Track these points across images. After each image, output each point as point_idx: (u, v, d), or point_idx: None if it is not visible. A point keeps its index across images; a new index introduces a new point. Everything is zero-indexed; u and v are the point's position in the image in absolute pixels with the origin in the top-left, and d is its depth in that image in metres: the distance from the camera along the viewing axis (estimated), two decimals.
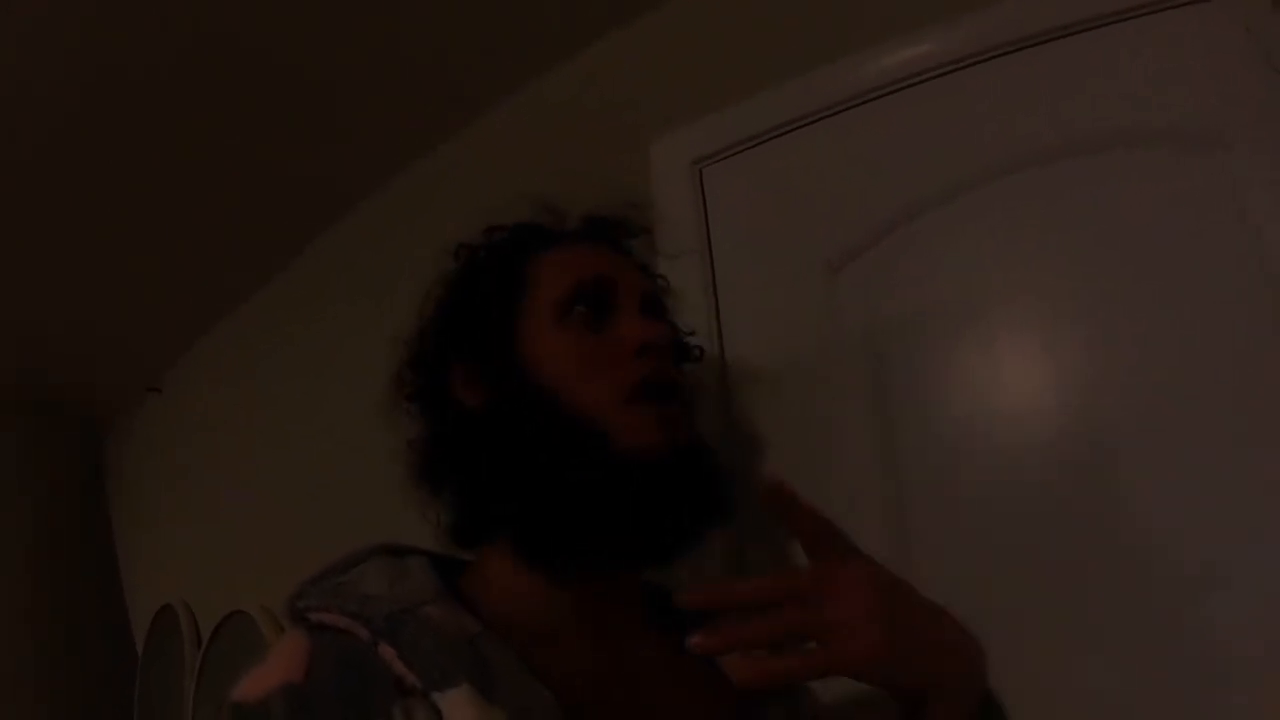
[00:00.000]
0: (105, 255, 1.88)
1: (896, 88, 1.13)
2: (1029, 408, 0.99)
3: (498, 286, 0.80)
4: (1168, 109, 0.98)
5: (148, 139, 1.57)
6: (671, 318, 0.88)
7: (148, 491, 2.36)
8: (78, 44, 1.35)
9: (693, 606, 0.61)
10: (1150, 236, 0.96)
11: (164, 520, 2.28)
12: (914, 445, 1.03)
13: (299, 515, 1.76)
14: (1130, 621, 0.88)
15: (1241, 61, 0.95)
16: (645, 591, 0.81)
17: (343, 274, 1.83)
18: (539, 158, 1.45)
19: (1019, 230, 1.03)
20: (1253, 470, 0.86)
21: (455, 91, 1.55)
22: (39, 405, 2.42)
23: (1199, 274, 0.93)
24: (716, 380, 1.14)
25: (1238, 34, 0.95)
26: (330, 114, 1.58)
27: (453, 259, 0.87)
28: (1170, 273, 0.94)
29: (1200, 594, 0.86)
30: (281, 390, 1.94)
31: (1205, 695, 0.84)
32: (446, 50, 1.46)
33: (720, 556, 1.05)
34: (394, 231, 1.72)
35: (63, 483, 2.46)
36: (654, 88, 1.35)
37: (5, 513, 2.30)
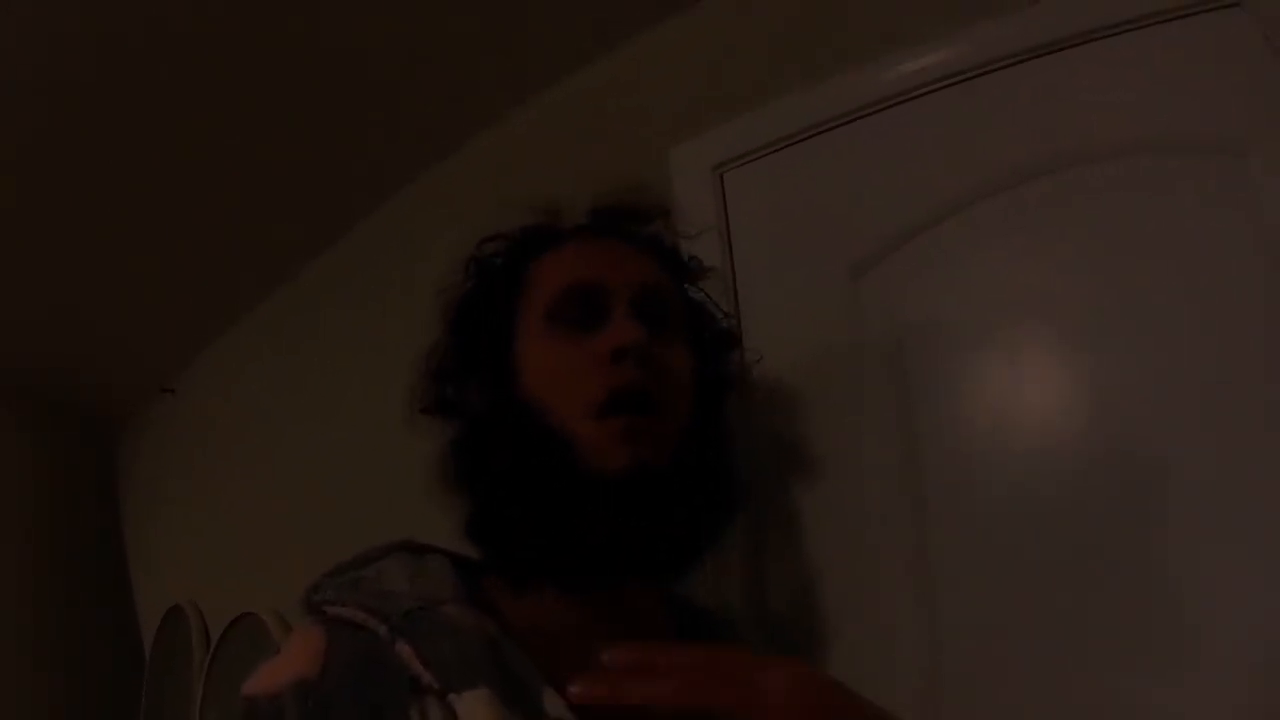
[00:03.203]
0: (120, 255, 1.89)
1: (918, 93, 1.13)
2: (1052, 415, 0.98)
3: (498, 295, 0.81)
4: (1186, 116, 0.98)
5: (161, 139, 1.58)
6: (699, 297, 0.88)
7: (159, 491, 2.37)
8: (100, 45, 1.36)
9: (580, 701, 0.56)
10: (1170, 242, 0.95)
11: (175, 520, 2.27)
12: (937, 452, 1.02)
13: (311, 517, 1.76)
14: (1152, 631, 0.87)
15: (1259, 68, 0.94)
16: (676, 604, 0.81)
17: (358, 277, 1.84)
18: (559, 162, 1.45)
19: (1040, 236, 1.03)
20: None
21: (474, 96, 1.55)
22: (52, 405, 2.43)
23: (1219, 280, 0.92)
24: (738, 386, 1.12)
25: (1255, 40, 0.95)
26: (350, 117, 1.59)
27: (462, 271, 0.87)
28: (1190, 279, 0.93)
29: (1227, 603, 0.85)
30: (295, 392, 1.94)
31: (1228, 702, 0.82)
32: (467, 55, 1.47)
33: (741, 547, 1.04)
34: (409, 235, 1.72)
35: (74, 482, 2.46)
36: (675, 93, 1.35)
37: (16, 511, 2.30)
